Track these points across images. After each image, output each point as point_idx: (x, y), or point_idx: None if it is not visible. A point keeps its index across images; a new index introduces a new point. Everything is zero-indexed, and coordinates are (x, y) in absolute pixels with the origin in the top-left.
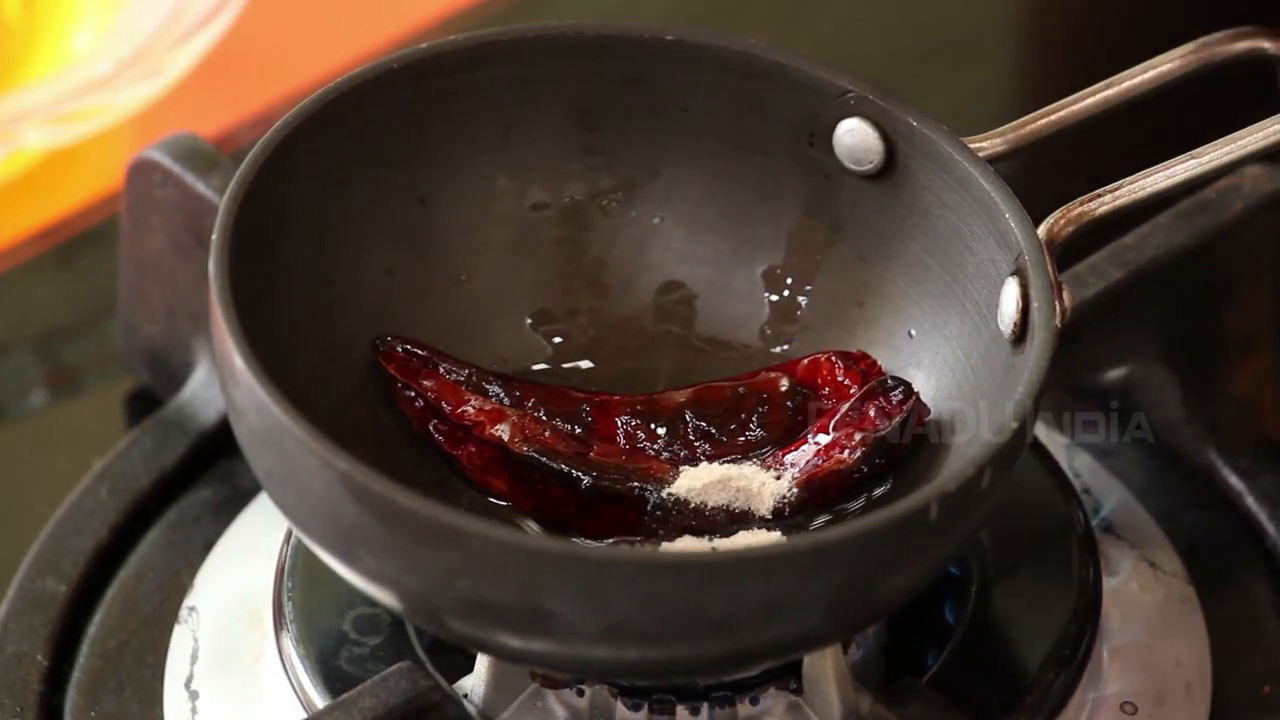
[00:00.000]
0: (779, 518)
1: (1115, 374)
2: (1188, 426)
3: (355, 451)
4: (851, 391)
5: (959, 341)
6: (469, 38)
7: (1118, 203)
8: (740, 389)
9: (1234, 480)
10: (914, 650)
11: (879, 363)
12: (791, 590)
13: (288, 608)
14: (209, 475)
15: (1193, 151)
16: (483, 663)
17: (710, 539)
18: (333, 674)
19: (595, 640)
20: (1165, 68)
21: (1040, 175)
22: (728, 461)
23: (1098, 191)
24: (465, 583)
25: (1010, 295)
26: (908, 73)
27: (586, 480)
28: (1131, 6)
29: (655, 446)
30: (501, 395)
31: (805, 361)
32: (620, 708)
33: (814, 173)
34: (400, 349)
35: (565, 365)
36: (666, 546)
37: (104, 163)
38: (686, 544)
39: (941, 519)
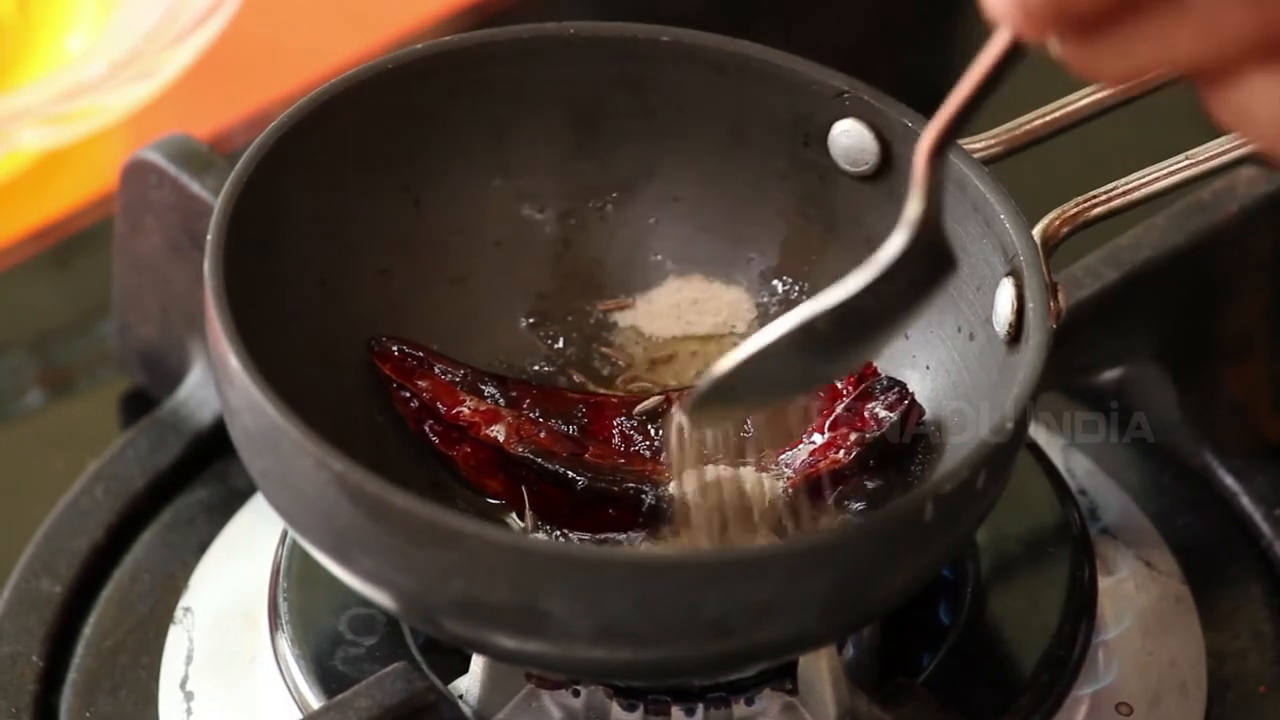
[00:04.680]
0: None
1: (1110, 375)
2: (1183, 427)
3: (350, 452)
4: (846, 392)
5: (954, 342)
6: (464, 39)
7: (1113, 203)
8: None
9: (1229, 481)
10: (909, 651)
11: (874, 363)
12: (786, 591)
13: (283, 608)
14: (204, 476)
15: (1188, 152)
16: (478, 663)
17: (706, 539)
18: (328, 674)
19: (590, 641)
20: None
21: (1036, 176)
22: (723, 462)
23: (1093, 192)
24: (460, 583)
25: (1005, 296)
26: (904, 73)
27: (582, 481)
28: None
29: (651, 447)
30: (497, 396)
31: None
32: (615, 708)
33: (809, 174)
34: (395, 349)
35: (561, 366)
36: (661, 547)
37: (99, 164)
38: (682, 544)
39: (936, 519)
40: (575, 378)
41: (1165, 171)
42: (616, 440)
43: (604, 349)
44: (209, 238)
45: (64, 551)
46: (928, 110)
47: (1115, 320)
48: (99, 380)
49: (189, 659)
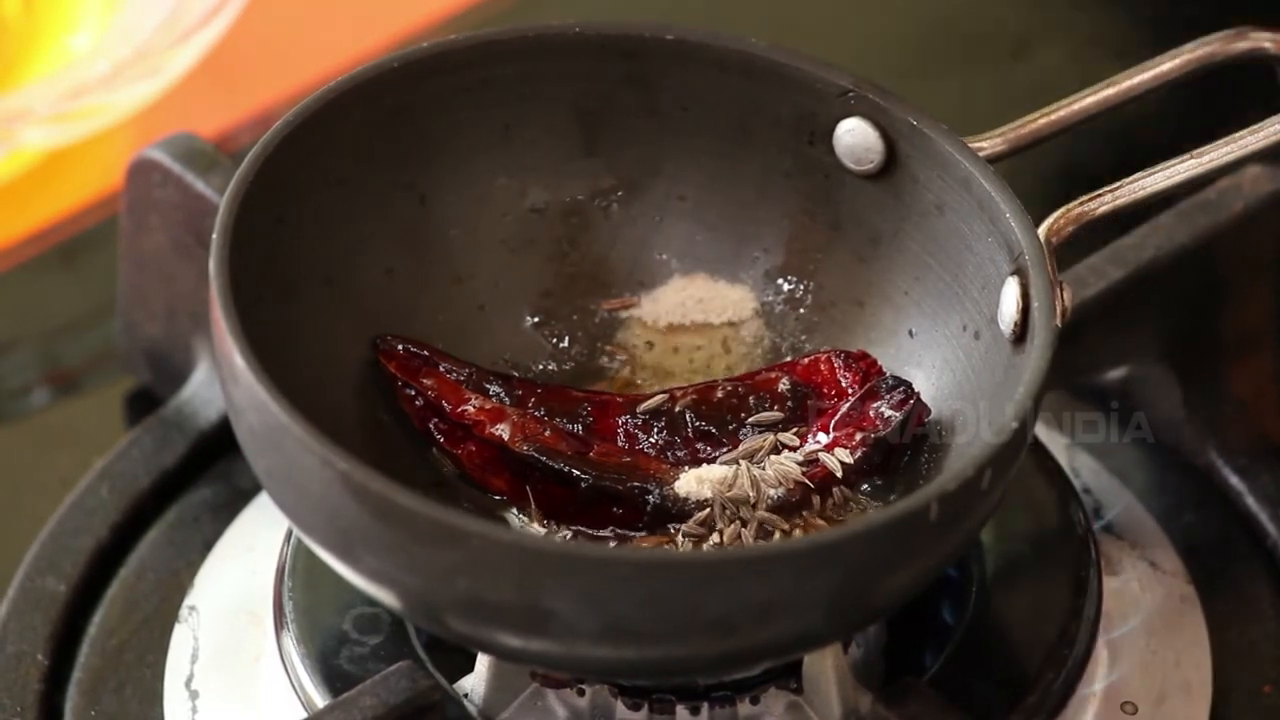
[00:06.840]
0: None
1: (1115, 374)
2: (1188, 426)
3: (355, 451)
4: (851, 391)
5: (959, 341)
6: (469, 37)
7: (1118, 202)
8: (740, 389)
9: (1234, 480)
10: (914, 650)
11: (879, 362)
12: (790, 590)
13: (288, 607)
14: (209, 475)
15: (1193, 151)
16: (483, 662)
17: (710, 539)
18: (333, 673)
19: (594, 639)
20: (1165, 67)
21: (1041, 175)
22: (728, 461)
23: (1098, 191)
24: (465, 582)
25: (1011, 295)
26: (908, 72)
27: (586, 480)
28: (1132, 6)
29: (655, 446)
30: (502, 394)
31: (805, 361)
32: (620, 707)
33: (814, 172)
34: (401, 348)
35: (565, 364)
36: (666, 546)
37: (104, 162)
38: (686, 543)
39: (941, 519)
40: (579, 376)
41: (1170, 170)
42: (621, 439)
43: (609, 347)
44: (214, 236)
45: (69, 550)
46: (934, 111)
47: (1120, 319)
48: (104, 379)
49: (194, 658)
